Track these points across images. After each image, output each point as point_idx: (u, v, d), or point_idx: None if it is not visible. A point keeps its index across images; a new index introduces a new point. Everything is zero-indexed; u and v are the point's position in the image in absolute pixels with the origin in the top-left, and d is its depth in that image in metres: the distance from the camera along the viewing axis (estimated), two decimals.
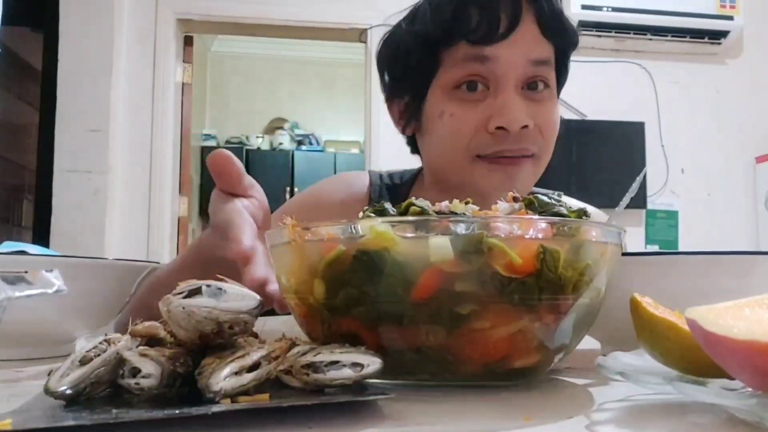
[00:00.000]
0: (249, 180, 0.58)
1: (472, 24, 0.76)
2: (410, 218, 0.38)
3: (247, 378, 0.31)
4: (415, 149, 0.91)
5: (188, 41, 3.33)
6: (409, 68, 0.82)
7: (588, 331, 0.44)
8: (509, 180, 0.77)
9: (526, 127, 0.76)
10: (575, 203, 0.77)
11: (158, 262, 0.69)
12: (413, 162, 0.95)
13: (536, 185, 0.83)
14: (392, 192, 0.94)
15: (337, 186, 0.99)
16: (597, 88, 3.16)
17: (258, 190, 0.59)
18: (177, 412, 0.28)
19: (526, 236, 0.36)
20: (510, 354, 0.38)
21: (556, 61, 0.82)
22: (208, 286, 0.33)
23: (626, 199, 0.69)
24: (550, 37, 0.79)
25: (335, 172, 5.59)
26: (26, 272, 0.34)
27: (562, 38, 0.81)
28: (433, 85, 0.80)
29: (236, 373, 0.30)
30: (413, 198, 0.42)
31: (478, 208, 0.42)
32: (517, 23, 0.76)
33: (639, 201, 3.11)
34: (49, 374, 0.31)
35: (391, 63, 0.87)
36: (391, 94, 0.88)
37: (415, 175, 0.97)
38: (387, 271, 0.36)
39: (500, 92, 0.77)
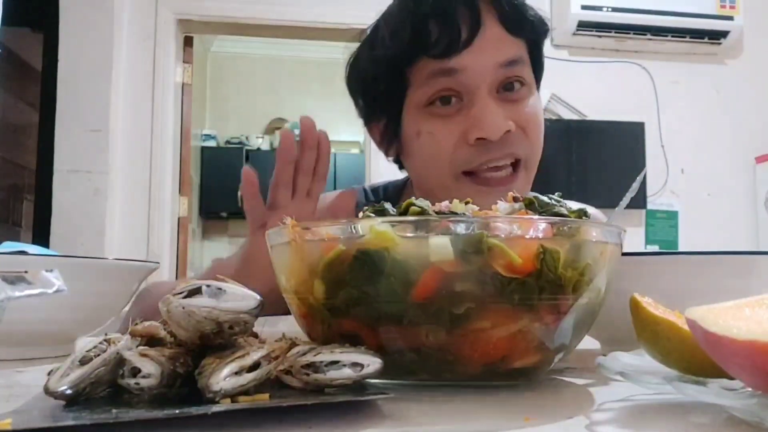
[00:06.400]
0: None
1: (432, 38, 0.73)
2: (410, 218, 0.38)
3: (247, 378, 0.31)
4: (402, 168, 0.89)
5: (188, 41, 3.33)
6: (378, 93, 0.80)
7: (588, 331, 0.44)
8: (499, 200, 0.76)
9: (508, 132, 0.73)
10: (574, 205, 0.77)
11: (158, 262, 0.69)
12: None
13: (537, 186, 0.82)
14: None
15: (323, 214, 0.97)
16: (597, 88, 3.16)
17: None
18: (177, 412, 0.28)
19: (526, 236, 0.36)
20: (510, 354, 0.38)
21: (530, 54, 0.78)
22: (208, 286, 0.33)
23: (626, 199, 0.69)
24: (517, 34, 0.75)
25: (335, 172, 5.58)
26: (26, 272, 0.34)
27: (531, 31, 0.77)
28: (405, 105, 0.78)
29: (236, 373, 0.30)
30: (413, 198, 0.42)
31: (478, 208, 0.42)
32: (479, 28, 0.72)
33: (639, 201, 3.10)
34: (49, 374, 0.31)
35: (360, 89, 0.84)
36: (368, 118, 0.85)
37: (401, 187, 0.95)
38: (387, 271, 0.36)
39: (475, 101, 0.73)
